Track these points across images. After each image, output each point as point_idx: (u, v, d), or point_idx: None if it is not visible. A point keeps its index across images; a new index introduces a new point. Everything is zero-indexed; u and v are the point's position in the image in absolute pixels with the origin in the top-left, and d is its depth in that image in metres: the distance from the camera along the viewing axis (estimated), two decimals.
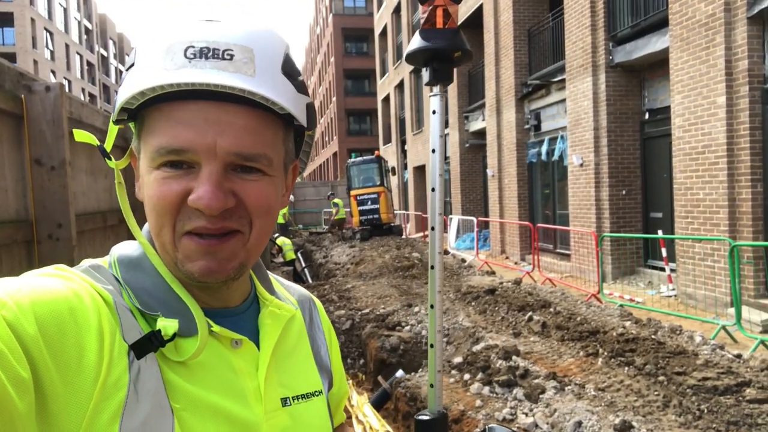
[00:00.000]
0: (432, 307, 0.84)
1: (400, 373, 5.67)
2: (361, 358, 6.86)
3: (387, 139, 30.46)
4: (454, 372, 5.23)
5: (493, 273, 11.54)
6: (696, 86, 7.63)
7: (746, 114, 6.96)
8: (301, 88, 0.70)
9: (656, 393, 4.11)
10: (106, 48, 65.47)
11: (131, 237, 0.73)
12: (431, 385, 0.79)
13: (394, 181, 23.40)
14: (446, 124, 19.95)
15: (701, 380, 4.10)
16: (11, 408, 0.50)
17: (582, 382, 4.51)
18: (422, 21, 0.84)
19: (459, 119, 18.39)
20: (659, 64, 9.26)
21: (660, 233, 8.90)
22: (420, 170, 23.88)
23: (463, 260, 13.08)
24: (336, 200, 19.59)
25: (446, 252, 14.54)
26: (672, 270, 8.72)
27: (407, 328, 6.83)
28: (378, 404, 5.51)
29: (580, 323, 6.03)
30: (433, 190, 0.83)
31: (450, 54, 0.82)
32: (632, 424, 3.65)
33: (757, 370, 4.37)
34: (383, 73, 31.03)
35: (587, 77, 10.39)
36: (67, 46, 51.63)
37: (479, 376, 4.93)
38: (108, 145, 0.72)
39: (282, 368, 0.77)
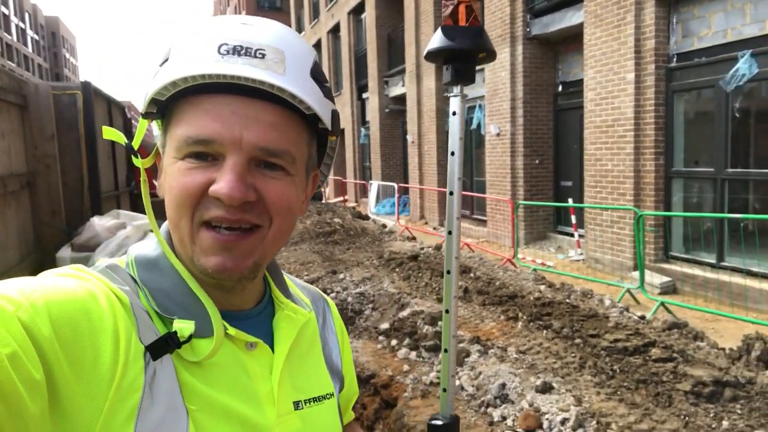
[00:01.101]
0: (447, 312, 0.82)
1: None
2: None
3: None
4: (381, 338, 5.33)
5: (413, 239, 11.77)
6: (608, 62, 8.03)
7: (652, 91, 7.43)
8: (328, 94, 0.72)
9: (573, 355, 4.41)
10: (5, 5, 58.69)
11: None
12: (444, 390, 0.78)
13: None
14: (366, 88, 19.74)
15: (613, 342, 4.44)
16: (23, 409, 0.50)
17: (504, 346, 4.75)
18: (443, 17, 0.80)
19: (379, 84, 18.30)
20: (573, 38, 9.63)
21: (570, 201, 9.43)
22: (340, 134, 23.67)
23: (384, 226, 13.22)
24: None
25: (367, 217, 14.63)
26: (580, 236, 9.29)
27: (332, 294, 6.85)
28: None
29: (499, 288, 6.31)
30: (451, 193, 0.80)
31: (474, 54, 0.79)
32: (552, 385, 3.91)
33: (659, 330, 4.80)
34: (299, 31, 30.11)
35: (505, 48, 10.62)
36: None
37: (406, 341, 5.06)
38: (136, 142, 0.71)
39: (295, 372, 0.77)
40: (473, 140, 13.16)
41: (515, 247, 8.89)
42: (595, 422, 3.46)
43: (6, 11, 64.47)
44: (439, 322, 5.31)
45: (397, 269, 7.91)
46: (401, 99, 17.11)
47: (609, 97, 8.06)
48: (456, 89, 0.80)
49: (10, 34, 63.67)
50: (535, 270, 7.75)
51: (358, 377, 4.80)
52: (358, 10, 20.13)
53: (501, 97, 10.94)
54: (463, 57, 0.79)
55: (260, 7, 45.06)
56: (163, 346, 0.62)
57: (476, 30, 0.82)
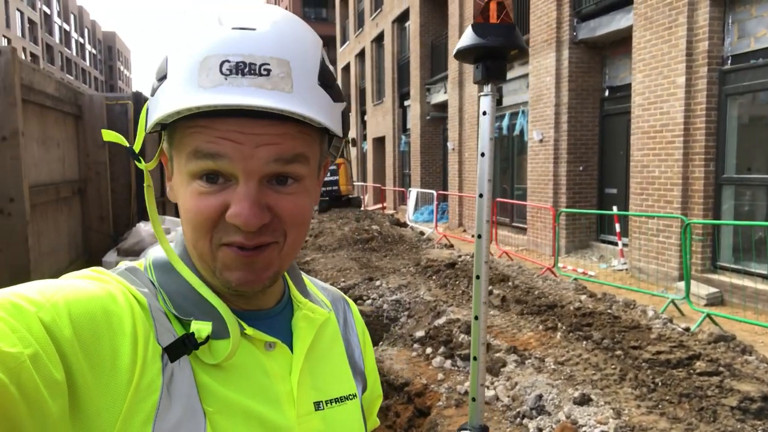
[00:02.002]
0: (476, 318, 0.80)
1: None
2: None
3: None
4: (416, 346, 5.29)
5: (451, 246, 11.67)
6: (657, 65, 7.79)
7: (703, 95, 7.16)
8: (337, 95, 0.70)
9: (613, 367, 4.27)
10: (49, 5, 61.85)
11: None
12: (473, 399, 0.76)
13: (353, 152, 23.16)
14: (407, 96, 19.82)
15: (655, 354, 4.28)
16: (44, 409, 0.51)
17: (542, 356, 4.64)
18: (474, 14, 0.78)
19: (421, 91, 18.30)
20: (622, 42, 9.40)
21: (615, 209, 9.17)
22: (379, 141, 23.75)
23: (422, 233, 13.18)
24: None
25: (405, 225, 14.61)
26: (624, 245, 9.02)
27: (369, 301, 6.86)
28: None
29: (538, 297, 6.18)
30: (480, 195, 0.77)
31: (505, 52, 0.77)
32: (590, 397, 3.79)
33: (705, 343, 4.59)
34: (344, 41, 30.47)
35: (551, 53, 10.46)
36: (6, 1, 48.47)
37: (441, 349, 5.00)
38: (137, 146, 0.70)
39: (315, 372, 0.76)
40: (515, 147, 12.98)
41: (556, 256, 8.70)
42: None
43: (67, 27, 67.79)
44: None
45: (433, 277, 7.85)
46: (443, 106, 17.05)
47: (658, 101, 7.81)
48: (487, 88, 0.77)
49: (70, 48, 66.97)
50: (575, 279, 7.56)
51: (392, 385, 4.78)
52: (402, 19, 20.22)
53: (545, 102, 10.76)
54: (495, 55, 0.76)
55: (307, 17, 45.88)
56: (181, 348, 0.63)
57: (508, 27, 0.79)
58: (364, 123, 26.65)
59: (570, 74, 10.18)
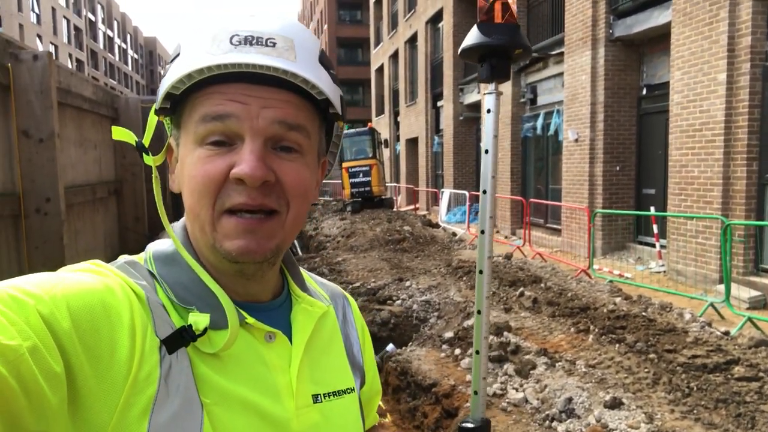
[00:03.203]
0: (479, 312, 0.80)
1: (390, 347, 5.71)
2: None
3: (380, 111, 30.18)
4: (445, 347, 5.26)
5: None
6: (697, 62, 7.56)
7: (746, 92, 6.91)
8: (336, 80, 0.74)
9: (646, 370, 4.15)
10: (93, 12, 63.98)
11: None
12: (475, 392, 0.77)
13: (386, 153, 23.21)
14: (441, 96, 19.76)
15: (691, 358, 4.15)
16: (44, 401, 0.51)
17: (573, 359, 4.55)
18: (479, 14, 0.79)
19: (453, 91, 18.21)
20: (660, 38, 9.16)
21: (653, 210, 8.93)
22: (412, 143, 23.72)
23: (454, 234, 13.10)
24: None
25: (437, 225, 14.55)
26: (662, 246, 8.77)
27: (398, 302, 6.86)
28: None
29: (571, 299, 6.07)
30: (484, 192, 0.79)
31: (510, 51, 0.77)
32: (622, 401, 3.70)
33: (745, 347, 4.43)
34: (377, 42, 30.57)
35: (586, 51, 10.26)
36: (53, 9, 50.36)
37: (470, 351, 4.97)
38: (147, 139, 0.72)
39: (314, 364, 0.76)
40: (549, 147, 12.78)
41: (591, 258, 8.52)
42: None
43: (111, 34, 69.97)
44: (506, 333, 5.17)
45: (464, 278, 7.80)
46: (476, 106, 16.93)
47: (697, 99, 7.58)
48: (491, 86, 0.77)
49: (113, 54, 69.12)
50: (611, 281, 7.39)
51: (420, 385, 4.76)
52: (435, 19, 20.16)
53: (580, 101, 10.56)
54: (499, 54, 0.77)
55: (341, 20, 46.19)
56: (179, 340, 0.63)
57: (512, 27, 0.80)
58: (397, 124, 26.65)
59: (606, 72, 9.96)
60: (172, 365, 0.62)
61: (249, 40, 0.65)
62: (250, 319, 0.70)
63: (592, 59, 10.14)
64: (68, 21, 54.41)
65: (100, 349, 0.57)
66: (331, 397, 0.77)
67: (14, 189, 2.96)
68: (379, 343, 6.10)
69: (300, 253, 13.31)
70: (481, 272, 0.80)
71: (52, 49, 47.28)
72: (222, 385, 0.65)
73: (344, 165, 17.72)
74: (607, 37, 9.91)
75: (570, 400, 3.86)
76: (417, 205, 21.59)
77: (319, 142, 0.75)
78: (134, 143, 0.71)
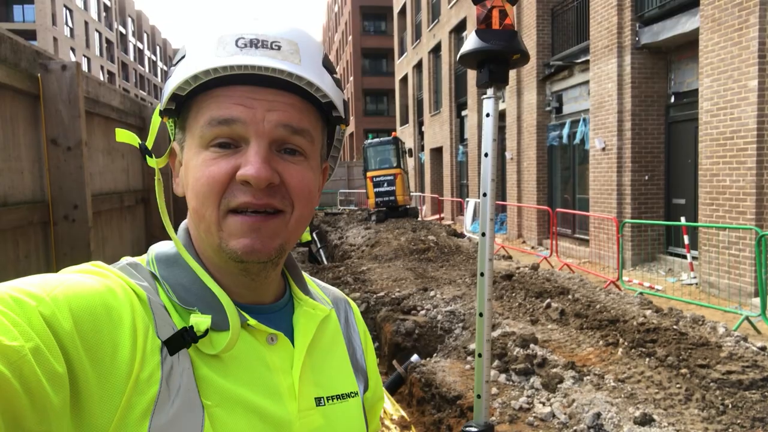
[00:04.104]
0: (481, 315, 0.79)
1: (415, 357, 5.64)
2: (376, 341, 6.84)
3: (404, 120, 30.23)
4: (470, 358, 5.19)
5: (509, 257, 11.43)
6: (726, 69, 7.38)
7: None
8: (339, 83, 0.74)
9: (678, 386, 4.02)
10: (124, 25, 65.63)
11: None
12: (478, 396, 0.76)
13: (410, 162, 23.18)
14: (465, 106, 19.72)
15: (725, 374, 4.00)
16: (46, 402, 0.51)
17: (601, 373, 4.44)
18: (477, 22, 0.79)
19: (477, 100, 18.13)
20: (688, 45, 8.99)
21: (683, 220, 8.72)
22: (437, 152, 23.68)
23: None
24: None
25: (462, 235, 14.44)
26: (694, 258, 8.55)
27: (423, 312, 6.79)
28: (392, 388, 5.50)
29: (600, 311, 5.94)
30: (484, 195, 0.78)
31: (507, 56, 0.77)
32: (653, 418, 3.58)
33: None
34: (401, 52, 30.68)
35: (612, 59, 10.13)
36: (86, 23, 51.79)
37: (495, 363, 4.87)
38: (150, 141, 0.73)
39: (317, 367, 0.76)
40: (576, 156, 12.61)
41: (620, 269, 8.34)
42: None
43: (141, 46, 71.68)
44: (532, 345, 5.07)
45: None
46: (500, 115, 16.79)
47: (728, 106, 7.39)
48: (490, 91, 0.78)
49: (143, 66, 70.77)
50: (641, 293, 7.22)
51: (445, 397, 4.69)
52: (459, 29, 20.16)
53: (607, 109, 10.41)
54: (497, 59, 0.77)
55: (366, 31, 46.53)
56: (180, 341, 0.63)
57: (509, 33, 0.81)
58: (421, 134, 26.65)
59: (633, 80, 9.80)
60: (173, 366, 0.61)
61: (254, 43, 0.65)
62: (251, 321, 0.70)
63: (618, 67, 9.99)
64: (100, 34, 55.88)
65: (102, 350, 0.57)
66: (335, 400, 0.76)
67: (43, 196, 3.01)
68: (403, 354, 6.04)
69: (325, 262, 13.34)
70: (482, 275, 0.80)
71: (84, 61, 48.61)
72: (223, 387, 0.65)
73: (369, 174, 17.76)
74: (633, 45, 9.76)
75: (599, 415, 3.75)
76: (442, 215, 21.50)
77: (321, 146, 0.76)
78: (137, 145, 0.71)
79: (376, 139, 18.73)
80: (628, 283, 8.41)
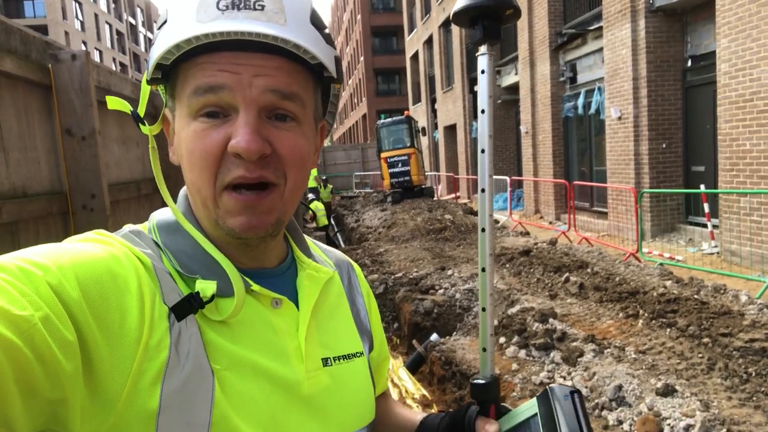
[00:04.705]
0: (483, 270, 0.81)
1: (434, 336, 5.66)
2: (396, 322, 6.88)
3: (416, 99, 29.99)
4: None
5: (527, 234, 11.37)
6: (745, 28, 7.17)
7: None
8: (329, 39, 0.71)
9: (700, 355, 3.99)
10: (134, 16, 65.69)
11: (165, 205, 0.74)
12: (483, 349, 0.80)
13: (424, 141, 23.04)
14: (477, 80, 19.62)
15: (748, 342, 3.95)
16: (59, 370, 0.51)
17: (622, 345, 4.42)
18: None
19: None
20: (704, 6, 8.74)
21: (703, 188, 8.57)
22: (451, 130, 23.49)
23: (497, 221, 12.93)
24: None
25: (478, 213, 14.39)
26: (714, 226, 8.42)
27: (441, 291, 6.80)
28: (413, 368, 5.53)
29: (619, 284, 5.89)
30: (482, 151, 0.80)
31: (500, 12, 0.77)
32: (675, 388, 3.56)
33: None
34: (411, 29, 30.31)
35: (626, 24, 9.89)
36: (96, 15, 51.95)
37: (515, 339, 4.88)
38: (141, 109, 0.71)
39: (322, 329, 0.77)
40: (592, 126, 12.42)
41: (639, 240, 8.25)
42: (725, 430, 3.10)
43: (151, 36, 71.70)
44: (551, 320, 5.06)
45: (507, 265, 7.68)
46: (514, 88, 16.60)
47: (746, 67, 7.20)
48: (483, 48, 0.77)
49: (137, 44, 70.56)
50: (661, 264, 7.14)
51: (465, 375, 4.71)
52: None
53: (622, 77, 10.20)
54: (490, 15, 0.77)
55: (375, 9, 46.01)
56: (187, 307, 0.63)
57: None
58: (434, 111, 26.43)
59: (648, 45, 9.57)
60: (181, 332, 0.62)
61: (236, 4, 0.63)
62: (255, 287, 0.70)
63: (632, 32, 9.76)
64: (110, 26, 56.04)
65: (110, 317, 0.57)
66: (341, 360, 0.77)
67: (61, 187, 3.05)
68: (422, 333, 6.07)
69: (343, 245, 13.40)
70: (483, 230, 0.81)
71: (96, 54, 48.86)
72: (232, 351, 0.65)
73: (382, 155, 17.69)
74: (647, 8, 9.51)
75: (620, 387, 3.74)
76: (458, 194, 21.41)
77: (315, 107, 0.74)
78: (129, 112, 0.70)
79: (389, 119, 18.62)
80: (648, 254, 8.32)
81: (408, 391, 5.22)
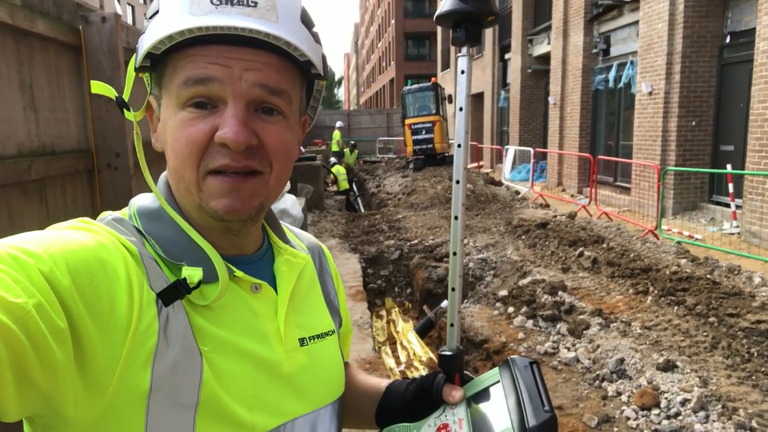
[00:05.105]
0: (454, 254, 0.85)
1: (445, 303, 5.79)
2: (408, 287, 7.02)
3: (446, 65, 29.53)
4: (498, 305, 5.29)
5: (547, 206, 11.33)
6: None
7: None
8: (317, 38, 0.73)
9: (705, 334, 4.04)
10: None
11: None
12: (451, 325, 0.85)
13: (450, 109, 22.78)
14: (508, 48, 19.03)
15: (755, 323, 3.99)
16: (51, 357, 0.53)
17: (628, 320, 4.48)
18: None
19: (522, 43, 17.52)
20: None
21: (729, 168, 8.43)
22: (477, 98, 23.18)
23: (517, 192, 12.88)
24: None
25: (500, 183, 14.33)
26: (738, 206, 8.30)
27: None
28: (422, 332, 5.69)
29: (633, 260, 5.91)
30: (459, 146, 0.84)
31: (482, 17, 0.82)
32: (676, 364, 3.64)
33: None
34: None
35: None
36: None
37: (523, 309, 4.97)
38: (126, 94, 0.72)
39: (298, 311, 0.80)
40: (622, 100, 12.18)
41: (659, 218, 8.19)
42: (720, 406, 3.18)
43: None
44: (560, 292, 5.14)
45: (523, 236, 7.71)
46: (545, 58, 16.26)
47: None
48: (464, 50, 0.83)
49: None
50: (678, 243, 7.11)
51: (472, 341, 4.84)
52: None
53: (656, 51, 9.94)
54: (472, 20, 0.82)
55: None
56: (174, 293, 0.65)
57: None
58: None
59: (686, 19, 9.29)
60: (169, 317, 0.64)
61: (230, 0, 0.64)
62: (238, 273, 0.72)
63: (670, 5, 9.47)
64: None
65: (100, 304, 0.59)
66: (316, 339, 0.81)
67: (88, 146, 3.18)
68: (434, 299, 6.20)
69: (362, 210, 13.51)
70: (456, 218, 0.85)
71: (129, 9, 48.94)
72: (216, 334, 0.68)
73: (407, 122, 17.59)
74: None
75: (622, 361, 3.82)
76: (481, 163, 21.27)
77: (300, 101, 0.76)
78: (114, 98, 0.71)
79: (415, 86, 18.42)
80: (667, 232, 8.27)
81: (416, 354, 5.38)
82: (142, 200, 0.76)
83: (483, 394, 0.79)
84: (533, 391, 0.72)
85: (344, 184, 13.66)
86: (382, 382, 0.96)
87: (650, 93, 10.13)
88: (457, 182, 0.84)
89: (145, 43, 0.66)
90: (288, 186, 5.80)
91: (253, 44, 0.66)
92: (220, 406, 0.66)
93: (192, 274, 0.67)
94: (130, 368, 0.60)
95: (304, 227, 5.94)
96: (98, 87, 0.72)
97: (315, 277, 0.90)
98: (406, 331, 5.77)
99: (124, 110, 0.71)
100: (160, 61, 0.69)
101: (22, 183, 2.73)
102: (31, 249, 0.57)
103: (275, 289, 0.78)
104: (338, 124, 21.25)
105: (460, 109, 0.85)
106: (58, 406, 0.56)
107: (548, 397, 0.73)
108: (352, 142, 20.61)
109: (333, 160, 15.50)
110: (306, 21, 0.70)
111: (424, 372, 4.98)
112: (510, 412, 0.72)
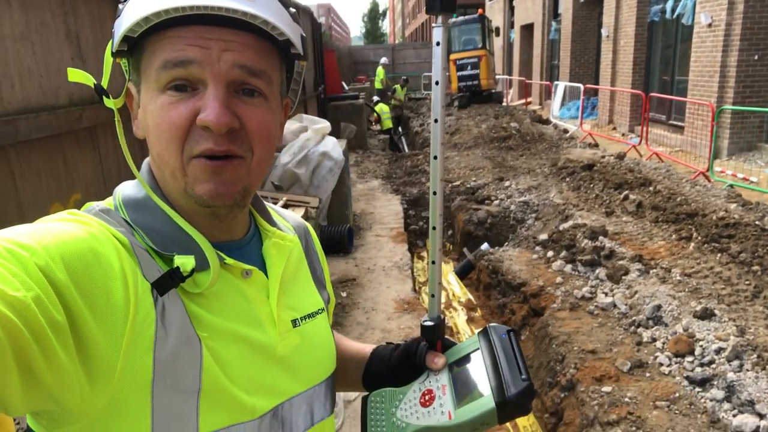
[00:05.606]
0: (434, 228, 0.85)
1: (485, 246, 5.87)
2: (450, 229, 7.10)
3: None
4: (538, 248, 5.34)
5: (596, 145, 11.04)
6: None
7: None
8: (296, 18, 0.74)
9: (747, 282, 4.00)
10: None
11: None
12: (432, 295, 0.87)
13: (497, 42, 21.96)
14: None
15: None
16: (53, 350, 0.54)
17: (668, 266, 4.47)
18: None
19: None
20: None
21: None
22: (527, 29, 22.22)
23: (566, 131, 12.55)
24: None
25: (547, 122, 13.96)
26: None
27: (496, 202, 6.91)
28: (462, 274, 5.82)
29: (680, 204, 5.79)
30: (435, 121, 0.84)
31: None
32: (714, 312, 3.64)
33: None
34: None
35: None
36: None
37: (563, 254, 5.00)
38: (105, 81, 0.71)
39: (288, 293, 0.82)
40: (679, 33, 11.48)
41: (711, 159, 7.90)
42: (755, 356, 3.20)
43: None
44: (601, 237, 5.13)
45: (567, 179, 7.61)
46: None
47: None
48: (439, 20, 0.80)
49: None
50: (731, 186, 6.88)
51: (510, 284, 4.94)
52: None
53: None
54: None
55: None
56: (168, 282, 0.65)
57: None
58: (512, 9, 24.91)
59: None
60: (165, 306, 0.64)
61: None
62: (228, 260, 0.73)
63: None
64: None
65: (97, 296, 0.59)
66: (307, 319, 0.83)
67: None
68: (474, 242, 6.29)
69: (406, 149, 13.49)
70: (434, 194, 0.84)
71: None
72: (212, 321, 0.69)
73: (451, 57, 17.10)
74: None
75: (659, 307, 3.85)
76: (529, 99, 20.66)
77: (280, 84, 0.76)
78: (92, 86, 0.70)
79: (461, 18, 17.75)
80: (720, 174, 7.99)
81: (455, 295, 5.54)
82: (127, 190, 0.75)
83: (464, 360, 0.82)
84: (511, 359, 0.76)
85: (388, 123, 13.58)
86: (366, 348, 0.99)
87: (710, 24, 9.51)
88: (434, 193, 0.84)
89: (121, 26, 0.66)
90: (329, 127, 5.85)
91: (231, 24, 0.65)
92: (221, 390, 0.67)
93: (185, 262, 0.67)
94: (132, 357, 0.61)
95: (345, 169, 6.03)
96: (76, 75, 0.70)
97: (302, 256, 0.91)
98: (446, 272, 5.91)
99: (104, 98, 0.70)
100: (137, 45, 0.68)
101: (75, 131, 2.90)
102: (25, 242, 0.57)
103: (265, 273, 0.79)
104: (383, 60, 20.86)
105: (437, 83, 0.80)
106: (65, 401, 0.57)
107: (525, 365, 0.75)
108: (404, 77, 20.19)
109: (376, 98, 15.35)
110: (283, 1, 0.70)
111: (462, 313, 5.15)
112: (489, 379, 0.75)
